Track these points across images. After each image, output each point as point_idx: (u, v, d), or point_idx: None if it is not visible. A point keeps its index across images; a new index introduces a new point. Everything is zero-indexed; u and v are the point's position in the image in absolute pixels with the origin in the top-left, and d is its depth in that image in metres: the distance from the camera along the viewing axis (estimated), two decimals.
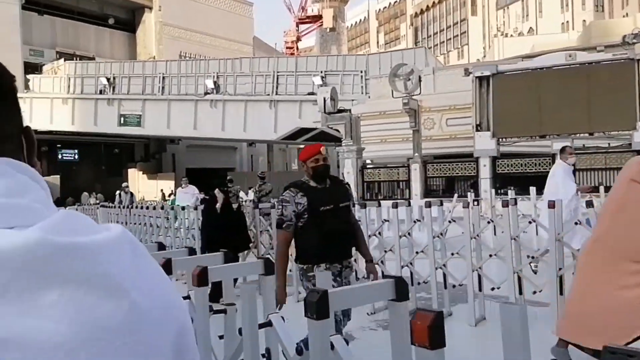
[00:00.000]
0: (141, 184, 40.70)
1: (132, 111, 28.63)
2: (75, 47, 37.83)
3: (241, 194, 19.32)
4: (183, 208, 9.14)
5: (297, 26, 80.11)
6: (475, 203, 5.55)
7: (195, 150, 42.22)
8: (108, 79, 28.98)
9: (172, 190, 38.03)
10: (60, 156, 39.00)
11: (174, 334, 0.63)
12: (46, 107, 31.04)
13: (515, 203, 5.00)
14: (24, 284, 0.53)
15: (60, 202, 34.18)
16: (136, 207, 9.89)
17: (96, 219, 14.62)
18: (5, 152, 0.62)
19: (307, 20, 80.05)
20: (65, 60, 33.04)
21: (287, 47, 76.24)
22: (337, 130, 19.00)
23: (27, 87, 32.59)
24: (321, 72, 24.02)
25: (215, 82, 26.29)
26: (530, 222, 5.19)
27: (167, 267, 3.10)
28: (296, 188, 3.44)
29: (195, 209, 8.48)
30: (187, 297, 3.12)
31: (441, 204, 6.36)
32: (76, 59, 33.96)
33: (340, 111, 18.09)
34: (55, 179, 35.67)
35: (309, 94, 24.23)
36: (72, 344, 0.54)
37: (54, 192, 35.55)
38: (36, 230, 0.55)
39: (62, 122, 30.82)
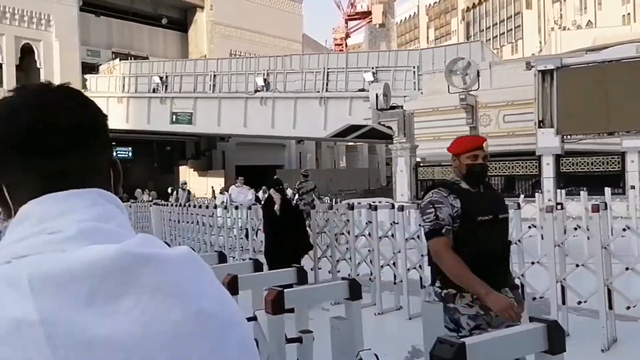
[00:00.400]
0: (192, 181, 41.34)
1: (183, 109, 28.98)
2: (130, 47, 38.74)
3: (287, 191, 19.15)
4: (237, 207, 8.92)
5: (346, 23, 79.49)
6: (559, 207, 5.01)
7: (245, 147, 42.54)
8: (161, 78, 29.45)
9: (222, 187, 38.47)
10: (115, 154, 39.72)
11: (237, 340, 0.72)
12: (102, 106, 29.60)
13: (606, 207, 4.45)
14: (108, 290, 0.64)
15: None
16: (193, 206, 9.73)
17: (149, 216, 14.72)
18: (97, 183, 0.75)
19: (356, 16, 79.28)
20: (120, 60, 33.85)
21: (336, 44, 75.83)
22: (389, 128, 18.50)
23: (84, 86, 33.54)
24: (372, 68, 23.55)
25: (265, 80, 26.24)
26: (625, 229, 4.59)
27: (233, 286, 2.73)
28: (446, 188, 2.76)
29: (249, 208, 8.25)
30: (253, 318, 2.69)
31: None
32: (131, 59, 34.74)
33: (392, 108, 17.59)
34: None
35: (360, 90, 23.80)
36: (146, 346, 0.64)
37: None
38: (118, 245, 0.66)
39: (117, 120, 31.52)
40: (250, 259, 4.31)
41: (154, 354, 0.64)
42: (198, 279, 0.71)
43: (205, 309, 0.68)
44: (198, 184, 40.30)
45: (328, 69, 24.79)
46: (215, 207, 9.13)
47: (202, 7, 41.38)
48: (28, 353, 0.61)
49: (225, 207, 8.79)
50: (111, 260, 0.65)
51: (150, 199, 34.58)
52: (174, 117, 29.21)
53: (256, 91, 26.52)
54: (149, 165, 42.15)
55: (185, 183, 14.94)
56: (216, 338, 0.69)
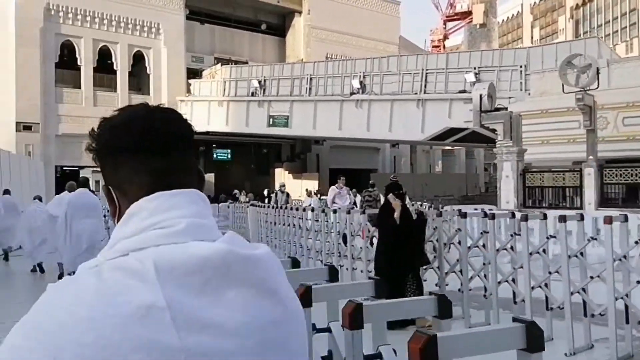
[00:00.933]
0: (287, 183, 41.94)
1: (280, 112, 29.39)
2: (231, 53, 40.11)
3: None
4: (335, 211, 8.57)
5: (445, 24, 77.48)
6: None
7: (339, 150, 42.52)
8: (259, 82, 30.09)
9: (316, 189, 38.70)
10: (215, 155, 41.66)
11: (306, 336, 0.91)
12: (204, 109, 33.16)
13: None
14: (217, 282, 0.78)
15: (214, 199, 36.52)
16: (291, 208, 9.52)
17: (245, 217, 14.85)
18: (192, 184, 0.90)
19: (455, 17, 77.06)
20: (222, 65, 35.08)
21: (433, 46, 74.14)
22: (493, 131, 17.40)
23: (188, 91, 35.18)
24: (474, 68, 22.43)
25: (361, 82, 25.91)
26: None
27: (306, 297, 2.53)
28: None
29: (349, 212, 7.86)
30: (327, 330, 2.53)
31: (625, 220, 4.97)
32: (231, 64, 35.90)
33: (497, 109, 16.51)
34: (210, 177, 38.15)
35: (460, 92, 22.77)
36: (245, 331, 0.78)
37: (209, 189, 38.24)
38: (223, 243, 0.82)
39: (218, 123, 32.68)
40: (325, 264, 3.97)
41: (251, 338, 0.79)
42: (282, 278, 0.88)
43: (287, 305, 0.85)
44: (293, 186, 40.76)
45: (427, 70, 23.96)
46: (304, 209, 8.86)
47: (299, 12, 41.95)
48: (157, 334, 0.72)
49: (323, 211, 8.46)
50: (220, 258, 0.79)
51: (248, 199, 35.56)
52: (271, 120, 29.70)
53: (352, 94, 26.25)
54: (246, 167, 43.40)
55: (284, 185, 14.62)
56: (296, 332, 0.87)
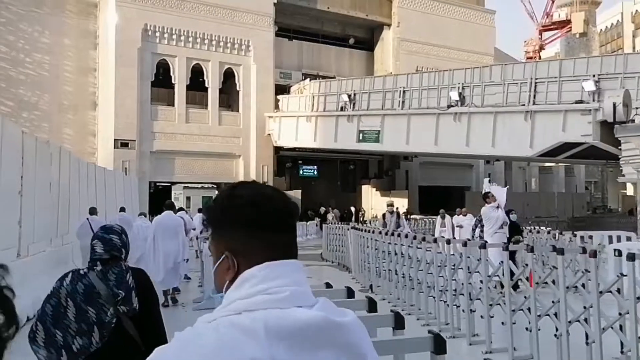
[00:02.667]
0: (374, 201, 40.59)
1: (370, 127, 28.16)
2: (318, 68, 39.60)
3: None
4: (465, 244, 7.00)
5: (540, 34, 73.24)
6: None
7: (429, 167, 40.57)
8: (349, 96, 29.09)
9: (406, 208, 36.95)
10: (301, 172, 41.15)
11: None
12: (292, 125, 32.65)
13: None
14: (313, 344, 0.96)
15: (301, 216, 35.84)
16: (406, 235, 8.05)
17: (342, 239, 13.62)
18: (296, 255, 1.10)
19: (552, 27, 72.66)
20: (310, 80, 34.53)
21: (527, 58, 70.18)
22: (617, 145, 15.17)
23: (277, 107, 34.89)
24: (593, 75, 20.01)
25: (460, 94, 24.12)
26: None
27: None
28: None
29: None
30: None
31: None
32: (319, 79, 35.28)
33: (632, 121, 14.27)
34: (297, 193, 37.50)
35: (577, 102, 20.42)
36: None
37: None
38: (319, 311, 1.00)
39: (306, 138, 32.01)
40: (366, 297, 3.62)
41: None
42: (368, 343, 1.06)
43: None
44: (380, 203, 39.29)
45: (536, 79, 21.79)
46: (406, 236, 7.48)
47: (389, 25, 40.78)
48: None
49: (448, 241, 6.99)
50: (317, 324, 0.98)
51: (334, 217, 34.48)
52: (361, 135, 28.53)
53: (449, 106, 24.52)
54: (332, 183, 42.50)
55: (392, 204, 12.83)
56: None
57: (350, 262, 11.61)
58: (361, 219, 35.60)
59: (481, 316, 6.30)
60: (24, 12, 30.83)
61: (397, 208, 12.43)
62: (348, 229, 12.04)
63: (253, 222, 1.06)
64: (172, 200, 31.92)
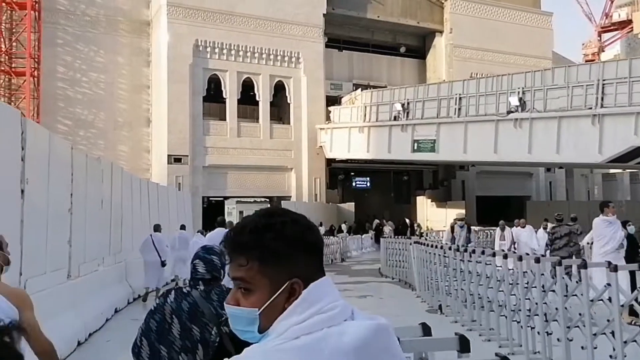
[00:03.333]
0: (429, 212, 39.40)
1: (425, 136, 27.23)
2: (369, 78, 39.02)
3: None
4: (520, 258, 6.19)
5: (599, 35, 69.96)
6: None
7: (487, 176, 39.06)
8: (402, 105, 28.30)
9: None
10: (354, 184, 40.50)
11: None
12: (344, 136, 32.11)
13: None
14: (373, 352, 1.05)
15: (359, 226, 35.09)
16: (482, 251, 7.18)
17: (402, 254, 12.86)
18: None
19: (611, 28, 69.29)
20: (361, 90, 33.96)
21: (586, 60, 67.09)
22: None
23: (328, 118, 34.48)
24: None
25: (520, 99, 22.91)
26: None
27: None
28: None
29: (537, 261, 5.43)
30: None
31: None
32: (370, 89, 34.64)
33: None
34: (351, 206, 36.92)
35: None
36: None
37: (349, 217, 37.00)
38: (367, 319, 1.10)
39: (358, 150, 31.39)
40: (456, 334, 2.98)
41: None
42: (396, 344, 1.13)
43: None
44: (436, 215, 38.15)
45: (603, 80, 20.36)
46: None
47: (441, 32, 39.79)
48: None
49: (520, 258, 6.18)
50: (374, 332, 1.06)
51: (390, 229, 33.56)
52: (416, 144, 27.64)
53: (509, 112, 23.33)
54: (385, 195, 41.62)
55: (463, 218, 11.77)
56: None
57: (414, 279, 10.84)
58: (417, 231, 34.50)
59: (557, 339, 5.52)
60: (80, 32, 31.87)
61: (467, 221, 11.27)
62: (410, 244, 11.29)
63: (313, 246, 1.16)
64: (225, 214, 32.11)
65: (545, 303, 6.38)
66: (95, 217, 8.31)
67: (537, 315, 6.32)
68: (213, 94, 32.99)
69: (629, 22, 68.58)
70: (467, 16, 39.27)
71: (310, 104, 34.12)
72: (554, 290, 6.23)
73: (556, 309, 6.19)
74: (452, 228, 9.65)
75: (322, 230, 25.00)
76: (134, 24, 33.39)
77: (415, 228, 37.77)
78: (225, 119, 32.85)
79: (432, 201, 39.25)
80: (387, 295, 10.97)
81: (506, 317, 6.86)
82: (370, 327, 1.06)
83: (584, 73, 21.30)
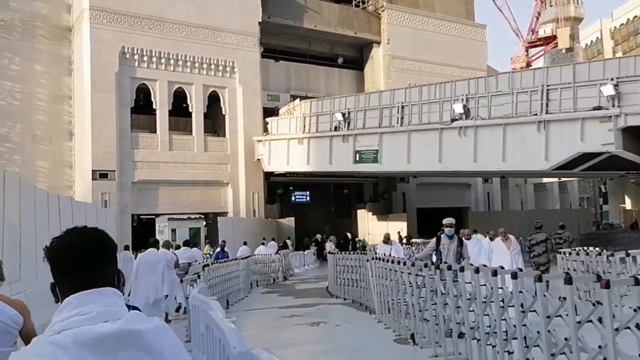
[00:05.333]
0: (371, 226, 38.59)
1: (368, 146, 26.32)
2: (307, 89, 37.96)
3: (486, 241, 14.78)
4: (495, 273, 5.03)
5: (527, 51, 72.85)
6: None
7: (426, 188, 38.82)
8: (343, 114, 27.30)
9: (407, 232, 34.91)
10: (293, 198, 39.12)
11: None
12: (283, 149, 30.73)
13: None
14: (116, 348, 1.31)
15: (299, 244, 33.62)
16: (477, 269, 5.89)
17: (364, 273, 11.50)
18: (109, 284, 1.47)
19: (537, 43, 72.39)
20: (300, 100, 32.77)
21: None
22: None
23: (265, 130, 33.02)
24: (611, 79, 18.44)
25: (464, 106, 22.43)
26: None
27: None
28: None
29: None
30: None
31: None
32: (309, 100, 33.52)
33: None
34: (290, 220, 35.45)
35: (595, 108, 18.79)
36: None
37: (289, 232, 35.45)
38: (119, 323, 1.35)
39: (298, 162, 30.08)
40: None
41: None
42: (165, 341, 1.39)
43: (168, 357, 1.37)
44: (378, 228, 37.29)
45: (548, 86, 20.16)
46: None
47: (378, 43, 39.44)
48: None
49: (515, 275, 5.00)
50: (114, 333, 1.32)
51: (332, 245, 32.31)
52: (358, 155, 26.65)
53: (453, 120, 22.79)
54: (325, 209, 40.48)
55: (452, 224, 8.43)
56: None
57: (372, 300, 9.50)
58: (358, 245, 33.45)
59: None
60: None
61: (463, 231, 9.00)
62: (367, 260, 9.98)
63: (58, 266, 1.47)
64: (157, 233, 29.76)
65: (525, 325, 5.31)
66: None
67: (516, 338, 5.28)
68: (142, 105, 30.74)
69: (553, 37, 72.03)
70: (403, 27, 39.17)
71: (246, 116, 32.55)
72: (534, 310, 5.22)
73: (538, 332, 5.12)
74: (438, 239, 7.98)
75: (262, 247, 23.38)
76: (54, 29, 30.71)
77: (357, 242, 36.83)
78: (155, 132, 30.63)
79: (373, 214, 38.50)
80: (343, 321, 9.56)
81: (493, 346, 5.66)
82: (111, 328, 1.33)
83: (528, 79, 21.07)
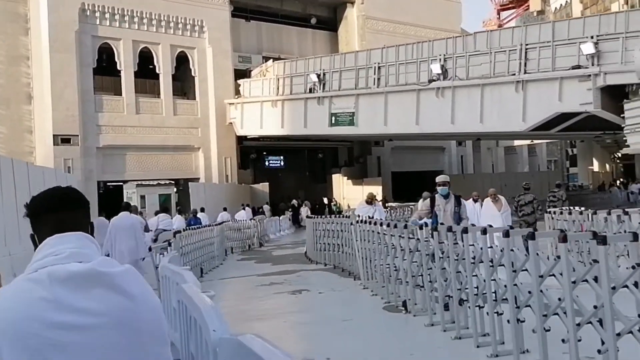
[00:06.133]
0: (346, 190, 38.21)
1: (344, 109, 25.64)
2: (280, 51, 36.72)
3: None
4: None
5: (498, 14, 72.35)
6: None
7: (401, 152, 38.52)
8: (318, 76, 26.45)
9: (382, 196, 34.67)
10: (267, 163, 38.35)
11: (162, 319, 1.56)
12: (256, 112, 29.80)
13: None
14: (87, 285, 1.42)
15: (275, 208, 33.00)
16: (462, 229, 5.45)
17: (345, 238, 11.01)
18: (83, 229, 1.58)
19: (509, 5, 71.89)
20: (274, 61, 31.66)
21: None
22: (620, 114, 13.30)
23: (237, 92, 31.93)
24: (591, 37, 18.06)
25: (442, 67, 21.86)
26: None
27: None
28: None
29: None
30: None
31: None
32: (282, 61, 32.45)
33: None
34: (265, 186, 34.78)
35: (574, 67, 18.46)
36: (103, 313, 1.41)
37: (263, 198, 34.81)
38: (90, 264, 1.46)
39: (272, 126, 29.24)
40: None
41: (115, 320, 1.42)
42: (136, 283, 1.51)
43: (136, 296, 1.47)
44: (353, 192, 36.96)
45: (526, 45, 19.70)
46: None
47: (352, 3, 38.26)
48: (46, 313, 1.38)
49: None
50: (86, 272, 1.44)
51: (306, 209, 31.84)
52: (334, 118, 25.98)
53: (431, 81, 22.24)
54: (300, 174, 39.87)
55: (447, 182, 7.44)
56: (147, 315, 1.49)
57: (356, 266, 9.02)
58: (335, 209, 33.08)
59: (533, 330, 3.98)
60: None
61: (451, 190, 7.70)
62: (351, 223, 9.46)
63: (35, 214, 1.59)
64: (125, 199, 28.72)
65: (516, 285, 4.92)
66: None
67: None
68: (105, 65, 29.18)
69: (525, 0, 71.50)
70: None
71: (217, 78, 31.34)
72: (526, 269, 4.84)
73: (529, 292, 4.75)
74: (432, 200, 7.43)
75: (243, 213, 22.88)
76: None
77: (332, 206, 36.46)
78: (121, 94, 29.23)
79: (348, 179, 38.07)
80: (326, 289, 9.08)
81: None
82: (82, 268, 1.45)
83: (507, 38, 20.56)
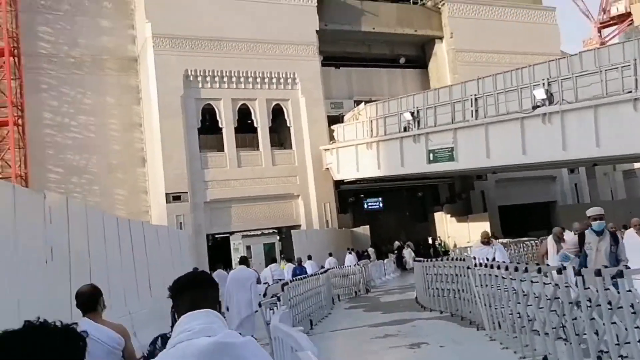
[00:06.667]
0: (450, 229, 36.77)
1: (441, 145, 24.89)
2: (370, 94, 36.86)
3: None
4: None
5: (599, 32, 68.26)
6: None
7: (507, 184, 36.60)
8: (412, 113, 26.04)
9: (491, 233, 32.79)
10: (365, 206, 38.02)
11: None
12: (351, 155, 29.82)
13: None
14: (212, 357, 1.72)
15: (378, 250, 32.37)
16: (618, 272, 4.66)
17: (463, 282, 10.26)
18: (210, 307, 1.98)
19: (610, 22, 67.67)
20: (365, 103, 31.78)
21: None
22: None
23: (332, 138, 32.26)
24: None
25: (547, 91, 20.60)
26: None
27: None
28: None
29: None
30: None
31: None
32: (374, 103, 32.46)
33: None
34: (365, 229, 34.38)
35: None
36: None
37: (365, 241, 34.32)
38: (216, 337, 1.78)
39: (368, 167, 29.05)
40: None
41: None
42: (255, 352, 1.77)
43: None
44: (459, 230, 35.53)
45: None
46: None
47: (440, 38, 37.85)
48: None
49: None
50: (211, 345, 1.72)
51: (409, 252, 30.91)
52: (431, 155, 25.27)
53: (535, 107, 21.00)
54: (399, 214, 39.04)
55: (602, 216, 6.39)
56: None
57: (481, 315, 8.23)
58: (440, 249, 31.82)
59: None
60: (64, 75, 30.06)
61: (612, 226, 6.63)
62: (468, 267, 8.75)
63: (175, 296, 2.03)
64: (232, 251, 29.57)
65: None
66: (37, 272, 5.93)
67: None
68: (208, 125, 30.84)
69: (627, 14, 67.10)
70: (466, 19, 37.39)
71: (311, 126, 31.95)
72: None
73: None
74: (582, 236, 6.44)
75: (351, 257, 22.84)
76: (121, 61, 31.56)
77: (437, 246, 35.13)
78: (223, 150, 30.62)
79: (451, 216, 36.67)
80: (448, 341, 8.34)
81: None
82: (209, 341, 1.74)
83: (617, 54, 19.01)
